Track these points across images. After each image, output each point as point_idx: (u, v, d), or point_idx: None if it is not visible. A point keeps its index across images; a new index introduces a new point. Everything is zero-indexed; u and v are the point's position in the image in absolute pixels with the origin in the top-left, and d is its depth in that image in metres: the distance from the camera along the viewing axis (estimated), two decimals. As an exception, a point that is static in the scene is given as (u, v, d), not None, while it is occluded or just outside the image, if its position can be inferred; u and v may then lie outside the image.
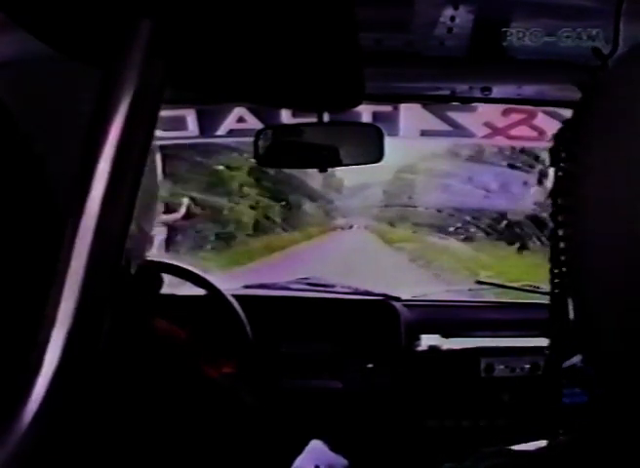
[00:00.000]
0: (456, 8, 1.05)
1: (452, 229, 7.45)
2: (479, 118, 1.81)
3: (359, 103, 0.36)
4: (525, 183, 5.53)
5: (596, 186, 0.39)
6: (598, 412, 0.43)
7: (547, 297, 0.46)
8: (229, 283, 1.82)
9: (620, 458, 0.39)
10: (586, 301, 0.41)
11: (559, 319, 0.45)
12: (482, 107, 1.74)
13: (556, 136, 0.44)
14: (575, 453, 0.42)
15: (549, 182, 0.47)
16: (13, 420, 0.26)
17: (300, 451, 0.94)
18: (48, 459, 0.27)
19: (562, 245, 0.43)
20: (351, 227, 12.71)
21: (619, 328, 0.37)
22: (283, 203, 9.05)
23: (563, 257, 0.43)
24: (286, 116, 1.72)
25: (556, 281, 0.45)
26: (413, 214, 8.99)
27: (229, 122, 1.84)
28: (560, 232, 0.43)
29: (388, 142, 1.43)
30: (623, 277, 0.35)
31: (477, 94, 1.41)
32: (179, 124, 1.79)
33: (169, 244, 5.20)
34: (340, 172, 8.10)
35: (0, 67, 0.85)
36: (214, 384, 1.05)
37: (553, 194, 0.45)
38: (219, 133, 1.88)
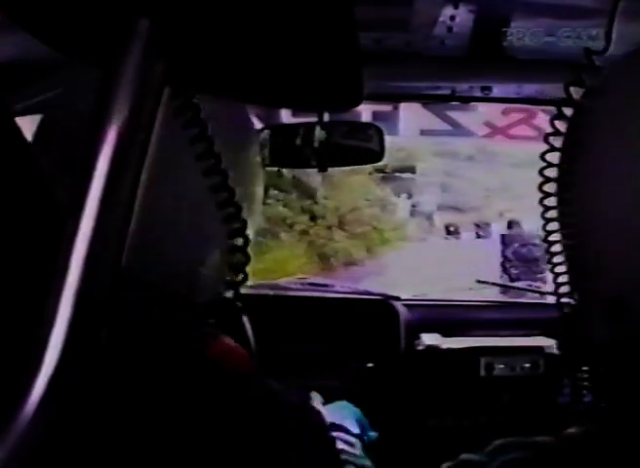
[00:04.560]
0: (456, 7, 1.05)
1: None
2: (479, 117, 1.81)
3: (359, 103, 0.36)
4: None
5: (595, 184, 0.39)
6: (604, 404, 0.43)
7: (547, 297, 0.47)
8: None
9: (632, 447, 0.39)
10: (581, 288, 0.42)
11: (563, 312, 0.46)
12: (482, 107, 1.74)
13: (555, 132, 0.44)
14: (591, 444, 0.42)
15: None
16: (13, 420, 0.26)
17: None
18: (48, 459, 0.27)
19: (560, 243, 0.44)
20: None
21: (605, 317, 0.38)
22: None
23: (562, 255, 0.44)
24: (286, 116, 1.72)
25: (558, 280, 0.45)
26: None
27: (229, 122, 1.84)
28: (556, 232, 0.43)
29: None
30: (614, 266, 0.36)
31: (477, 93, 1.41)
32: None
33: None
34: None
35: (0, 67, 0.85)
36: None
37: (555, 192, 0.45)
38: (218, 132, 1.87)
